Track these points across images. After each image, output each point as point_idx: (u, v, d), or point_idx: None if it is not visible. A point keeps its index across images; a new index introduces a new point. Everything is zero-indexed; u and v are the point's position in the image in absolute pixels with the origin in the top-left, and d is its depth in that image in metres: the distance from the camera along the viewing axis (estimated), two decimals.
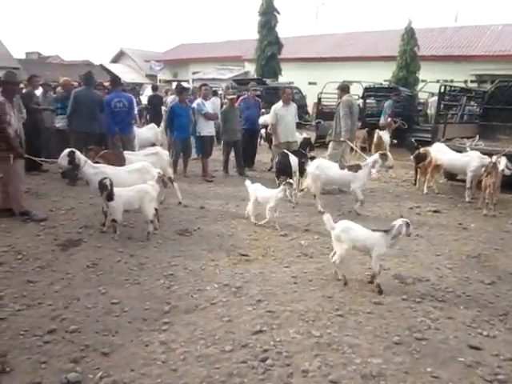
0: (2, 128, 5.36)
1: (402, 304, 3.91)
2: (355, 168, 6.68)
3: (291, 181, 5.83)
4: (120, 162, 6.06)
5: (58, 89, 9.80)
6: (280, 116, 8.38)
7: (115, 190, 4.97)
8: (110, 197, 4.92)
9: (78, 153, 5.43)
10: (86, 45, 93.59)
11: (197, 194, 7.60)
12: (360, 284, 4.28)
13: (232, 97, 9.00)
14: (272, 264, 4.70)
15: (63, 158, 5.34)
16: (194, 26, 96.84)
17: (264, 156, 11.19)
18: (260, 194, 5.93)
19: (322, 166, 6.70)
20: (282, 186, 5.69)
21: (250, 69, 30.61)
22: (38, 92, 9.13)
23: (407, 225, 4.00)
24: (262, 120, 11.00)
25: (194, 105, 8.92)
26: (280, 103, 8.51)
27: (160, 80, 33.40)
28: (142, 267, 4.44)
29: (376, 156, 6.72)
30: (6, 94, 5.51)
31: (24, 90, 8.68)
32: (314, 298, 3.94)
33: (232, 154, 9.34)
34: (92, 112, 7.68)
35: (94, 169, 5.34)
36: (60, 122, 8.30)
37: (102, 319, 3.44)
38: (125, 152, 6.56)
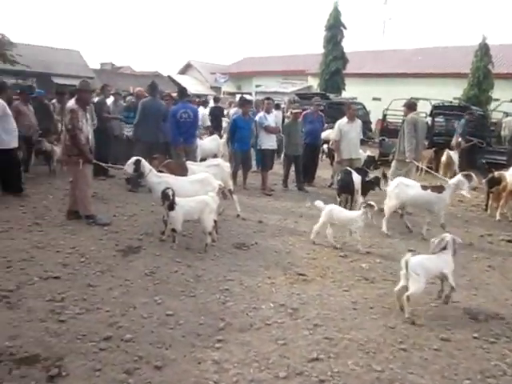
0: (74, 134, 5.60)
1: (473, 343, 3.58)
2: (439, 189, 6.35)
3: (372, 202, 5.55)
4: (183, 172, 6.14)
5: (129, 98, 10.22)
6: (344, 132, 8.18)
7: (177, 200, 5.01)
8: (171, 207, 4.96)
9: (143, 161, 5.56)
10: (155, 57, 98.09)
11: (255, 207, 7.54)
12: (426, 316, 3.98)
13: (296, 111, 8.91)
14: (330, 286, 4.50)
15: (129, 166, 5.47)
16: (259, 40, 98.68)
17: (324, 172, 10.96)
18: (337, 215, 5.68)
19: (402, 185, 6.41)
20: (362, 209, 5.47)
21: (313, 83, 30.52)
22: (109, 101, 9.55)
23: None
24: (324, 135, 10.83)
25: (257, 118, 8.93)
26: (344, 119, 8.32)
27: (224, 92, 34.15)
28: (198, 279, 4.41)
29: (460, 177, 6.32)
30: (80, 102, 5.76)
31: (96, 99, 9.10)
32: (376, 328, 3.70)
33: (292, 168, 9.23)
34: (157, 121, 7.91)
35: (157, 178, 5.43)
36: (131, 131, 8.58)
37: (156, 330, 3.41)
38: (187, 162, 6.64)
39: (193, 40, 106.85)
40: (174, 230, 5.15)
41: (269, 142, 8.79)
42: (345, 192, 6.98)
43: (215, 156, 9.90)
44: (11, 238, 5.19)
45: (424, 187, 6.45)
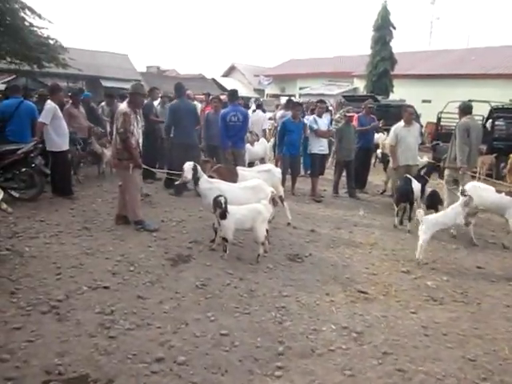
0: (126, 138, 5.47)
1: None
2: None
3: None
4: (233, 177, 5.88)
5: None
6: (401, 137, 7.69)
7: (228, 207, 4.75)
8: (223, 215, 4.71)
9: (198, 166, 5.31)
10: (200, 59, 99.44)
11: (306, 214, 7.20)
12: (510, 346, 3.51)
13: (350, 114, 8.49)
14: (396, 307, 4.10)
15: (189, 172, 5.14)
16: (302, 42, 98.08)
17: (375, 177, 10.47)
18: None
19: (475, 189, 5.94)
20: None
21: (359, 85, 29.81)
22: (156, 103, 9.47)
23: None
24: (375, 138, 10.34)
25: (306, 121, 8.59)
26: (401, 123, 7.83)
27: (267, 94, 33.98)
28: (252, 294, 4.13)
29: None
30: (132, 105, 5.63)
31: (144, 102, 9.04)
32: (453, 359, 3.28)
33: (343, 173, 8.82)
34: (190, 122, 7.73)
35: (208, 183, 5.18)
36: None
37: (211, 352, 3.15)
38: (238, 168, 6.39)
39: (237, 42, 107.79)
40: (224, 239, 4.90)
41: (319, 147, 8.41)
42: (404, 201, 6.51)
43: (262, 160, 9.64)
44: (61, 243, 5.11)
45: (498, 191, 5.98)
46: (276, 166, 10.71)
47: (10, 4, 12.32)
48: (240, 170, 6.25)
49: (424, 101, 24.63)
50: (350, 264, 5.11)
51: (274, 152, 10.46)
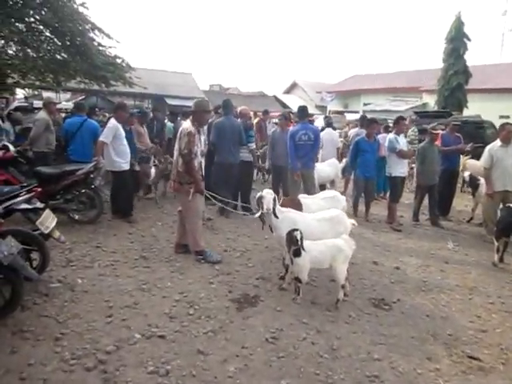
0: (190, 160, 4.96)
1: None
2: None
3: None
4: (297, 208, 5.06)
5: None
6: (497, 159, 6.65)
7: (304, 243, 4.04)
8: (297, 253, 4.00)
9: (275, 196, 4.63)
10: (261, 77, 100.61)
11: (385, 246, 6.32)
12: None
13: (436, 131, 7.52)
14: None
15: (269, 202, 4.44)
16: (366, 57, 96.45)
17: (457, 202, 9.33)
18: None
19: None
20: None
21: (429, 100, 28.17)
22: None
23: None
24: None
25: (382, 140, 7.75)
26: (497, 142, 6.80)
27: (330, 111, 33.08)
28: (334, 354, 3.36)
29: None
30: (198, 123, 5.13)
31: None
32: None
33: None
34: (234, 142, 7.19)
35: (280, 213, 4.49)
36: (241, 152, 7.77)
37: None
38: (300, 196, 5.60)
39: (298, 59, 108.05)
40: (298, 280, 4.17)
41: (400, 169, 7.50)
42: (508, 235, 5.47)
43: (333, 183, 8.86)
44: (116, 275, 4.63)
45: None
46: (345, 188, 10.06)
47: (81, 25, 12.56)
48: (302, 198, 5.48)
49: (502, 116, 22.63)
50: (449, 315, 4.19)
51: (343, 174, 9.71)
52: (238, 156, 7.41)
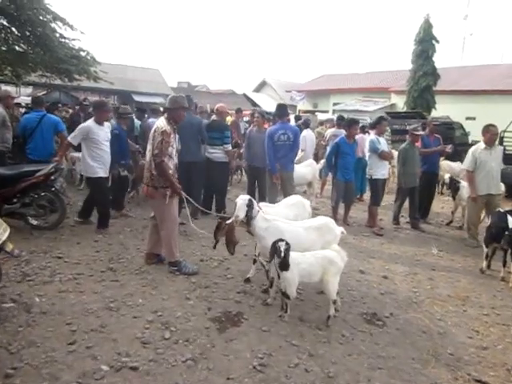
0: (160, 162, 4.46)
1: None
2: None
3: None
4: None
5: (213, 117, 9.16)
6: (481, 161, 6.49)
7: (292, 255, 3.66)
8: (284, 266, 3.61)
9: (254, 201, 4.17)
10: (230, 75, 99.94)
11: (369, 252, 6.03)
12: None
13: (417, 133, 7.30)
14: None
15: (242, 209, 3.96)
16: (335, 57, 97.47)
17: (435, 204, 9.19)
18: None
19: None
20: None
21: (397, 101, 28.45)
22: None
23: None
24: None
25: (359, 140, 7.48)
26: (481, 145, 6.63)
27: (299, 110, 32.94)
28: (330, 382, 2.99)
29: None
30: (174, 122, 4.66)
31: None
32: None
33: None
34: (194, 139, 6.76)
35: (264, 222, 4.06)
36: (215, 153, 7.29)
37: None
38: (261, 204, 4.69)
39: (268, 58, 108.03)
40: (285, 295, 3.78)
41: (382, 171, 7.23)
42: (498, 242, 5.26)
43: (310, 184, 8.53)
44: (79, 291, 4.11)
45: None
46: (322, 190, 9.76)
47: (42, 15, 11.76)
48: (264, 206, 4.61)
49: (468, 118, 23.12)
50: (446, 331, 3.90)
51: (320, 175, 9.43)
52: (200, 154, 6.98)
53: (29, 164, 6.19)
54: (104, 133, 6.00)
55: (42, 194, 5.91)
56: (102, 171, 5.97)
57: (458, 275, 5.39)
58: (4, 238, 3.61)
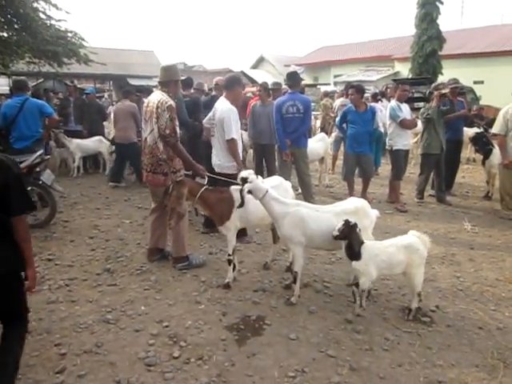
0: (175, 142, 3.87)
1: None
2: None
3: None
4: (226, 204, 3.86)
5: (213, 93, 8.46)
6: None
7: (366, 243, 3.18)
8: (355, 254, 3.08)
9: (255, 177, 3.51)
10: (227, 53, 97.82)
11: (395, 232, 5.29)
12: None
13: (445, 91, 6.50)
14: None
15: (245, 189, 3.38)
16: (334, 28, 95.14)
17: (459, 175, 8.48)
18: None
19: None
20: None
21: (401, 69, 27.43)
22: None
23: None
24: None
25: (382, 109, 6.73)
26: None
27: None
28: None
29: None
30: (173, 95, 4.02)
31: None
32: None
33: None
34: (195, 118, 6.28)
35: (282, 205, 3.38)
36: None
37: None
38: (232, 188, 3.92)
39: (264, 33, 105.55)
40: (356, 285, 3.23)
41: (403, 141, 6.52)
42: None
43: (322, 160, 7.84)
44: (71, 301, 3.52)
45: None
46: (333, 166, 9.05)
47: None
48: (234, 190, 3.85)
49: (476, 82, 22.19)
50: (506, 324, 3.29)
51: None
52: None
53: (14, 154, 5.55)
54: None
55: (29, 188, 5.29)
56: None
57: (501, 254, 4.76)
58: None
